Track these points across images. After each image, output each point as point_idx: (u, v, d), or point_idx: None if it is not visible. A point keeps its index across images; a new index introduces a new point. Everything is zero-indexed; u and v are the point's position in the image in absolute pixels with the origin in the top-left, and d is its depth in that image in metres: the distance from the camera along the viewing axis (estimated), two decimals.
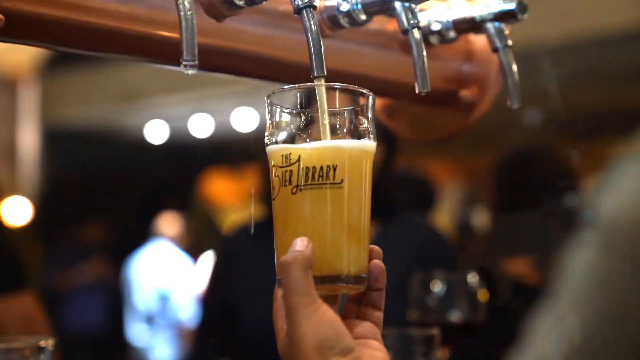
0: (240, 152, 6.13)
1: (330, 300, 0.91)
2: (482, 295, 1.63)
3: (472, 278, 1.64)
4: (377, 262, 0.94)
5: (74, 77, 5.83)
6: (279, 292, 0.91)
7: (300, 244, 0.88)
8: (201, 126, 6.62)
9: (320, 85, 0.93)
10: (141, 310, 5.31)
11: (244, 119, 6.25)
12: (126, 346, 5.37)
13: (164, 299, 5.29)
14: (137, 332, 5.34)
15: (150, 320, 5.31)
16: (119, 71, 5.67)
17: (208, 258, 4.63)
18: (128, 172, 6.39)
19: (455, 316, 1.62)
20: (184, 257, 5.43)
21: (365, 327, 0.93)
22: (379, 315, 0.95)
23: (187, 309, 5.09)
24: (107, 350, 5.11)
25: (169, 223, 5.53)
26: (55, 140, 6.21)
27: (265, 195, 1.71)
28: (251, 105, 5.96)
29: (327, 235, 0.90)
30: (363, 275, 0.93)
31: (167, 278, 5.29)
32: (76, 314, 4.92)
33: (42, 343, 1.10)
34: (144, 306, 5.30)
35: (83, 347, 4.72)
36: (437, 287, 1.64)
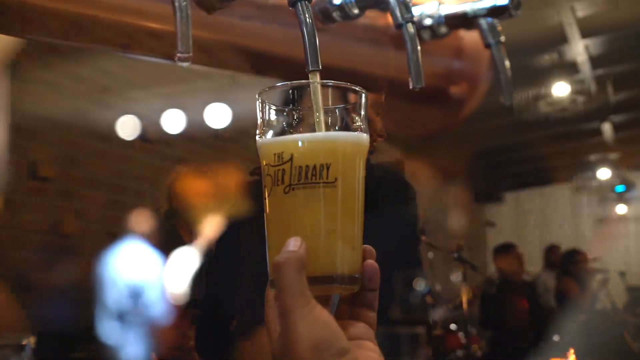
0: (213, 149, 6.09)
1: (322, 300, 0.89)
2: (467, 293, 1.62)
3: (456, 277, 1.63)
4: (371, 262, 0.93)
5: (46, 71, 5.76)
6: (270, 294, 0.89)
7: (293, 244, 0.86)
8: (174, 122, 6.57)
9: (315, 82, 0.91)
10: (112, 307, 5.25)
11: (217, 115, 6.21)
12: (97, 343, 5.32)
13: (135, 296, 5.24)
14: (108, 329, 5.29)
15: (121, 317, 5.26)
16: (91, 66, 5.62)
17: (180, 255, 4.60)
18: (100, 167, 6.33)
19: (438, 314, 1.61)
20: (155, 255, 5.38)
21: (359, 328, 0.92)
22: (373, 315, 0.94)
23: (159, 306, 5.05)
24: (77, 347, 5.07)
25: (141, 220, 5.48)
26: (26, 134, 6.13)
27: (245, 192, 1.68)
28: (224, 101, 5.93)
29: (320, 235, 0.89)
30: (356, 276, 0.91)
31: (138, 275, 5.24)
32: (47, 310, 4.87)
33: (24, 342, 1.09)
34: (115, 303, 5.25)
35: (53, 344, 4.67)
36: (420, 285, 1.63)
